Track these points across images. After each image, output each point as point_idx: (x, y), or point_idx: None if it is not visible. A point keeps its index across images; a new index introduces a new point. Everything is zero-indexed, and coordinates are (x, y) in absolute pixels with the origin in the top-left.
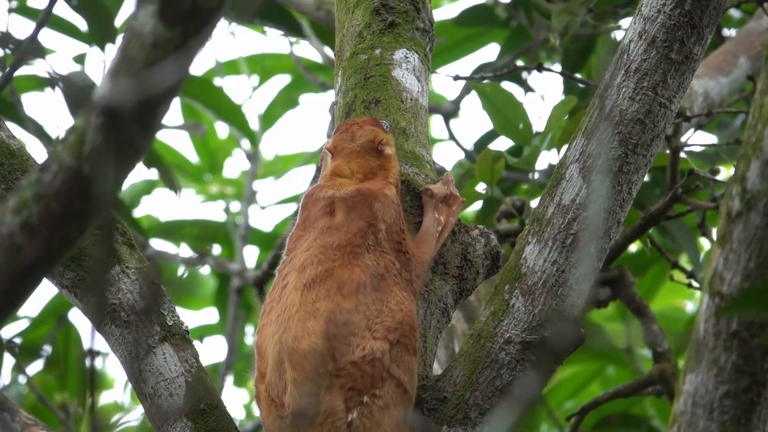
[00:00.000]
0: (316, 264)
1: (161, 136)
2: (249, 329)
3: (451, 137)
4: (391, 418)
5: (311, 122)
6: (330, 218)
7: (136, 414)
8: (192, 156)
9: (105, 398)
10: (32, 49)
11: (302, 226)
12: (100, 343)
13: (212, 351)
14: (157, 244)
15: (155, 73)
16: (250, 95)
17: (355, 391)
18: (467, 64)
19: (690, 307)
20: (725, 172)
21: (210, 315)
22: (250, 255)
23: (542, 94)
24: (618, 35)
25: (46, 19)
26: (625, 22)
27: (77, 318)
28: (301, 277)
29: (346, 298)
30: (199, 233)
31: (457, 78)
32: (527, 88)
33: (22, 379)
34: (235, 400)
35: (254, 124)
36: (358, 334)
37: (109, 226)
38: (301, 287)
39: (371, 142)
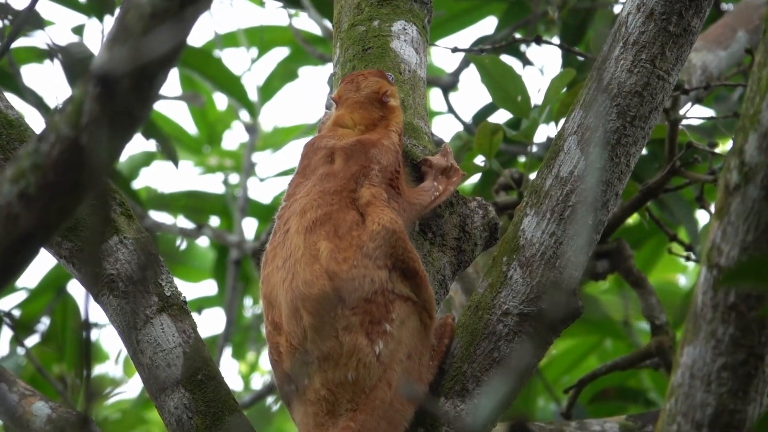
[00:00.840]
0: (315, 208)
1: (160, 107)
2: (248, 301)
3: (450, 110)
4: (408, 330)
5: (310, 94)
6: (329, 166)
7: (129, 387)
8: (191, 128)
9: (98, 371)
10: (31, 20)
11: (302, 174)
12: (98, 314)
13: (211, 323)
14: (156, 215)
15: (152, 43)
16: (249, 67)
17: (374, 324)
18: (466, 36)
19: (683, 281)
20: (724, 146)
21: (209, 287)
22: (249, 227)
23: (541, 67)
24: (616, 9)
25: None
26: None
27: (76, 289)
28: (302, 221)
29: (342, 238)
30: (197, 205)
31: (455, 50)
32: (526, 62)
33: (20, 351)
34: (233, 371)
35: (253, 97)
36: (359, 264)
37: (106, 197)
38: (303, 231)
39: (375, 93)
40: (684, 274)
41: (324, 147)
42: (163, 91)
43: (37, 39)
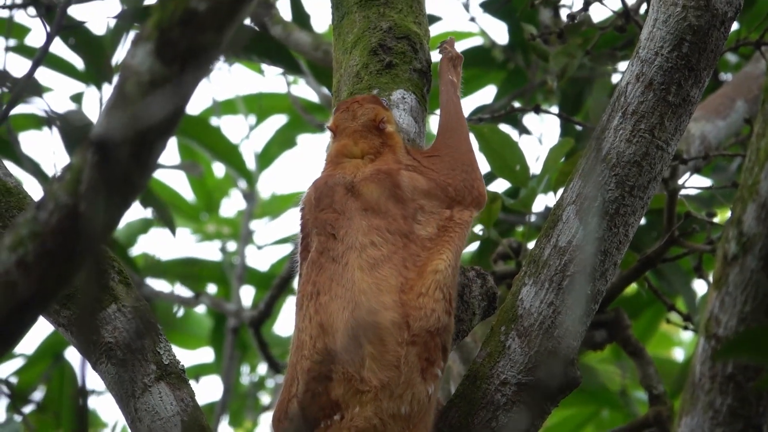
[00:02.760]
0: (377, 246)
1: (158, 175)
2: (245, 369)
3: None
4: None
5: (308, 162)
6: (359, 200)
7: None
8: (188, 195)
9: None
10: (29, 87)
11: (332, 209)
12: (95, 382)
13: (208, 390)
14: (154, 283)
15: (152, 111)
16: (247, 134)
17: (430, 363)
18: (465, 106)
19: (680, 354)
20: (722, 216)
21: (206, 354)
22: (247, 295)
23: (539, 136)
24: (615, 79)
25: (42, 57)
26: (623, 66)
27: (73, 357)
28: (363, 256)
29: (410, 270)
30: (195, 273)
31: None
32: (524, 131)
33: (17, 418)
34: None
35: (251, 164)
36: (431, 297)
37: (105, 264)
38: (366, 266)
39: (372, 120)
40: (680, 346)
41: (340, 183)
42: (161, 159)
43: (36, 106)
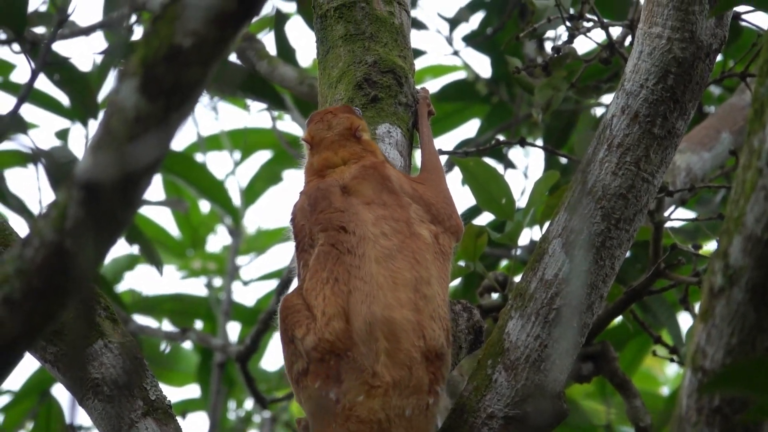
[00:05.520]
0: (389, 235)
1: (143, 211)
2: (231, 404)
3: None
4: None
5: (294, 198)
6: (357, 198)
7: None
8: (174, 231)
9: None
10: (14, 124)
11: (332, 209)
12: (83, 419)
13: (195, 426)
14: (140, 319)
15: (137, 148)
16: (232, 170)
17: (435, 378)
18: (449, 139)
19: (665, 391)
20: (707, 248)
21: (193, 391)
22: (233, 330)
23: (524, 170)
24: (600, 111)
25: (27, 93)
26: (608, 98)
27: (60, 393)
28: (377, 247)
29: (421, 266)
30: (181, 308)
31: (440, 153)
32: (509, 164)
33: None
34: None
35: (237, 200)
36: (435, 322)
37: (91, 301)
38: (382, 258)
39: (348, 129)
40: (665, 385)
41: (335, 185)
42: (147, 195)
43: (21, 143)
